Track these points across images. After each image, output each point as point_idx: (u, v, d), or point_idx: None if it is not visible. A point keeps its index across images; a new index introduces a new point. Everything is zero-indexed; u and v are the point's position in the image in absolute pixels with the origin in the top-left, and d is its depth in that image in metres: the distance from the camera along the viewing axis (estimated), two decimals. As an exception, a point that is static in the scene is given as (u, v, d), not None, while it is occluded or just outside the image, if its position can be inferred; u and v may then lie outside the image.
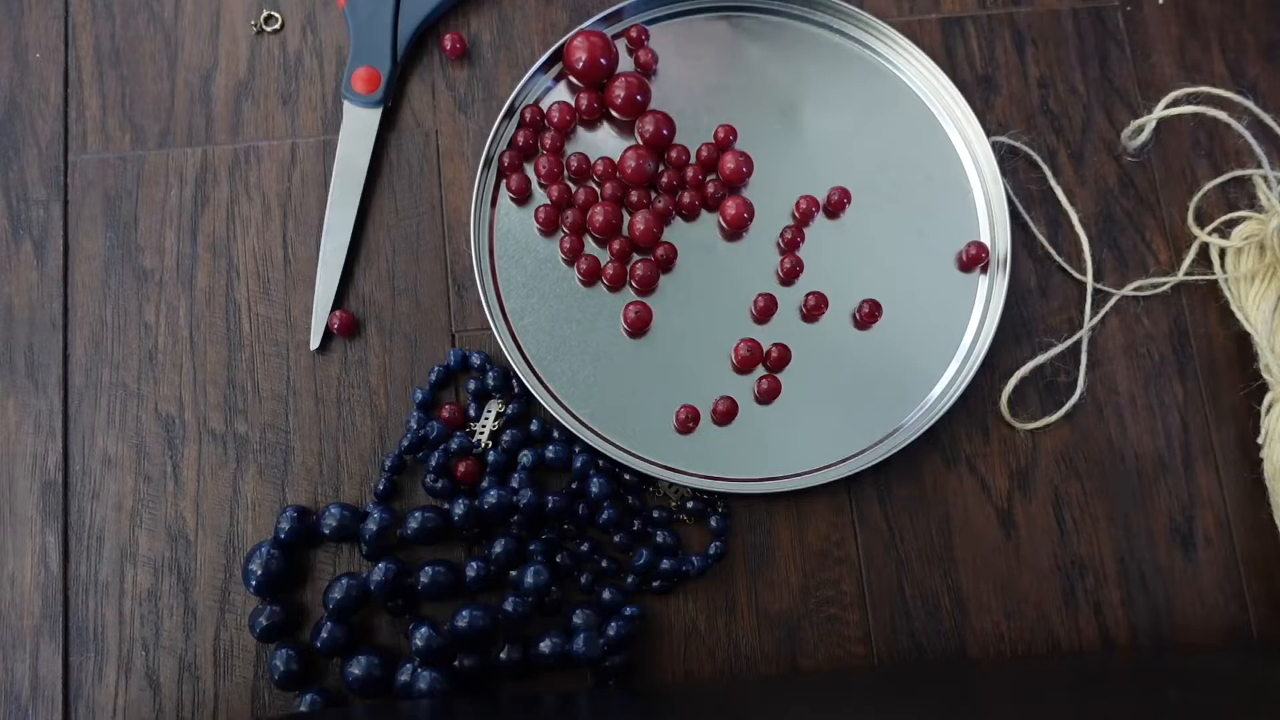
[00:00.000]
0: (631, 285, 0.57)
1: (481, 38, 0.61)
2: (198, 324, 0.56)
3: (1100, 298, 0.58)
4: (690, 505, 0.55)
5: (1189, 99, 0.60)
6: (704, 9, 0.61)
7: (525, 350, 0.56)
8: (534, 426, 0.55)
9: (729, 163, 0.57)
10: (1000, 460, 0.56)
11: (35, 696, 0.52)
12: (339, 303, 0.57)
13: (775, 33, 0.61)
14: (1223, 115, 0.58)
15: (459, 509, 0.52)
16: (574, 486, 0.54)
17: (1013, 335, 0.58)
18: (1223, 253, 0.58)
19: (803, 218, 0.58)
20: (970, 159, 0.59)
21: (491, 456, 0.54)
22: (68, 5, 0.60)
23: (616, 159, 0.57)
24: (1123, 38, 0.62)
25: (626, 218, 0.57)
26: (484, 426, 0.55)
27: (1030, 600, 0.55)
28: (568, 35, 0.58)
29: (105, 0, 0.60)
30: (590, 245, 0.57)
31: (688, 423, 0.55)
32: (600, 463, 0.54)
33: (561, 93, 0.59)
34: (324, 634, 0.51)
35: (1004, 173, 0.58)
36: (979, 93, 0.61)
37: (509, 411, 0.55)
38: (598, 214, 0.56)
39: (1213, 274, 0.58)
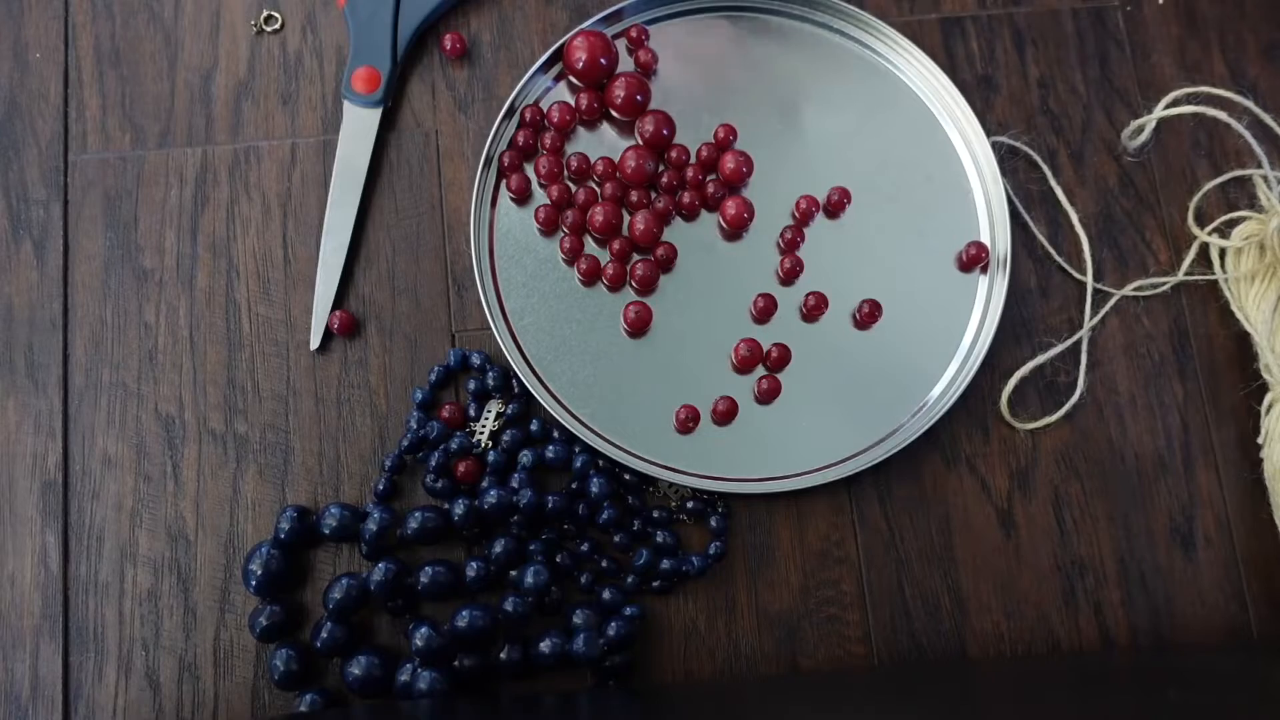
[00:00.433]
0: (631, 285, 0.57)
1: (481, 38, 0.61)
2: (198, 324, 0.56)
3: (1100, 298, 0.58)
4: (690, 505, 0.55)
5: (1189, 99, 0.60)
6: (704, 9, 0.61)
7: (525, 350, 0.56)
8: (534, 426, 0.55)
9: (729, 163, 0.57)
10: (1000, 460, 0.56)
11: (35, 696, 0.52)
12: (339, 303, 0.57)
13: (775, 33, 0.61)
14: (1223, 115, 0.58)
15: (459, 509, 0.52)
16: (574, 486, 0.54)
17: (1013, 335, 0.58)
18: (1223, 253, 0.58)
19: (803, 218, 0.58)
20: (970, 159, 0.59)
21: (491, 456, 0.54)
22: (68, 5, 0.60)
23: (616, 159, 0.57)
24: (1123, 38, 0.62)
25: (626, 218, 0.57)
26: (484, 426, 0.55)
27: (1030, 600, 0.55)
28: (568, 35, 0.58)
29: (105, 0, 0.60)
30: (590, 245, 0.57)
31: (688, 423, 0.55)
32: (600, 463, 0.54)
33: (562, 93, 0.59)
34: (324, 634, 0.51)
35: (1004, 173, 0.58)
36: (979, 93, 0.61)
37: (509, 411, 0.55)
38: (598, 214, 0.56)
39: (1213, 274, 0.58)
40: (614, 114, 0.58)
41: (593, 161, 0.58)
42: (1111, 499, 0.56)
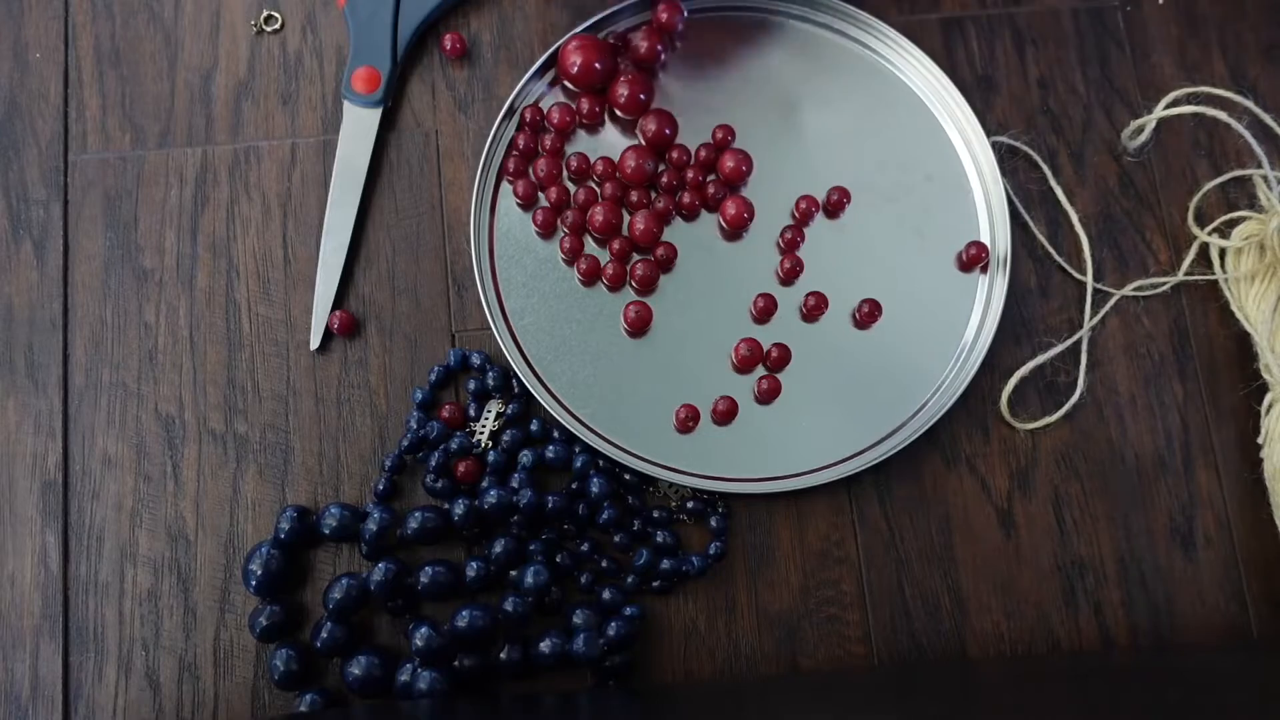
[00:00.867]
0: (631, 285, 0.57)
1: (481, 38, 0.60)
2: (198, 324, 0.56)
3: (1100, 298, 0.58)
4: (690, 505, 0.55)
5: (1189, 99, 0.60)
6: (704, 9, 0.61)
7: (525, 350, 0.56)
8: (534, 426, 0.55)
9: (729, 163, 0.57)
10: (1000, 460, 0.56)
11: (35, 696, 0.52)
12: (339, 302, 0.57)
13: (775, 33, 0.61)
14: (1223, 115, 0.58)
15: (459, 509, 0.52)
16: (574, 486, 0.54)
17: (1013, 335, 0.58)
18: (1223, 253, 0.58)
19: (802, 218, 0.58)
20: (970, 159, 0.59)
21: (491, 456, 0.54)
22: (68, 5, 0.60)
23: (616, 158, 0.57)
24: (1123, 38, 0.62)
25: (626, 218, 0.57)
26: (484, 426, 0.55)
27: (1030, 600, 0.55)
28: (562, 40, 0.58)
29: (105, 0, 0.60)
30: (590, 245, 0.57)
31: (688, 422, 0.55)
32: (600, 463, 0.54)
33: (561, 94, 0.59)
34: (324, 634, 0.51)
35: (1004, 173, 0.58)
36: (979, 93, 0.61)
37: (509, 411, 0.55)
38: (598, 214, 0.56)
39: (1213, 274, 0.58)
40: (616, 113, 0.58)
41: (592, 161, 0.58)
42: (1111, 499, 0.56)
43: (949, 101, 0.59)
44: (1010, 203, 0.58)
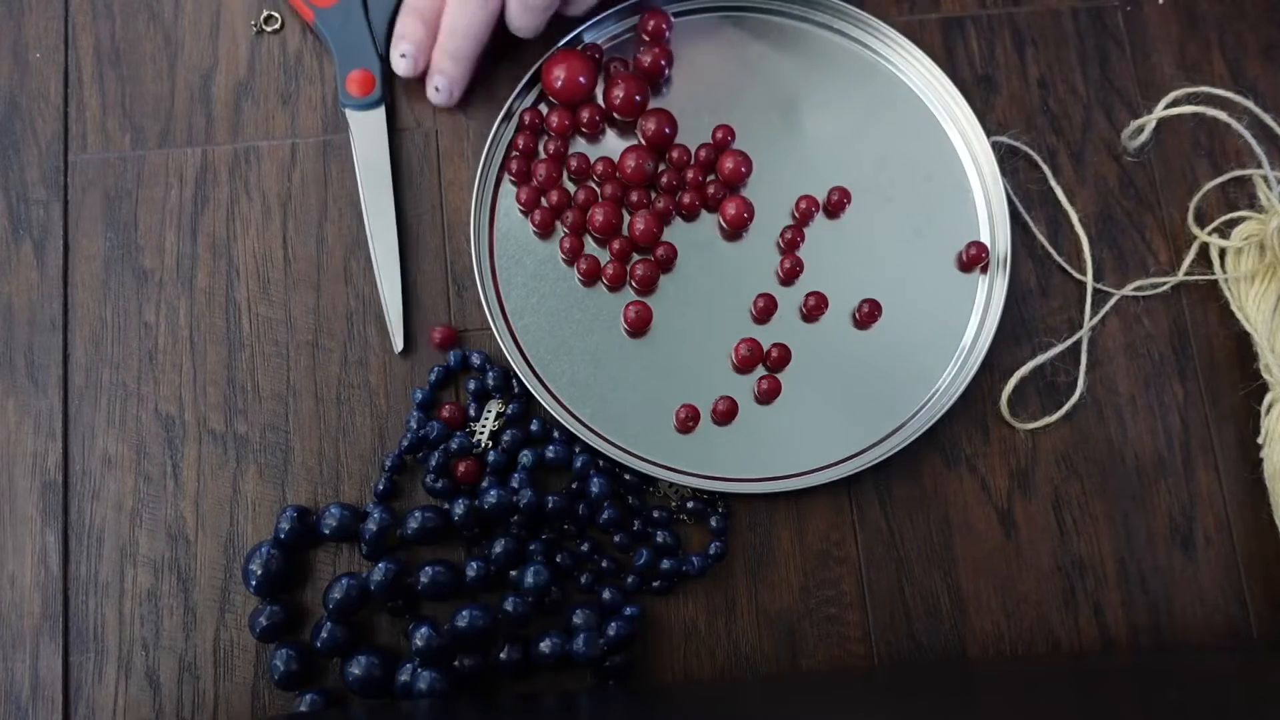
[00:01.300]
0: (631, 285, 0.57)
1: (481, 38, 0.60)
2: (198, 324, 0.56)
3: (1100, 298, 0.58)
4: (690, 505, 0.55)
5: (1189, 99, 0.60)
6: (704, 9, 0.61)
7: (525, 350, 0.56)
8: (534, 426, 0.55)
9: (728, 163, 0.57)
10: (1000, 460, 0.56)
11: (35, 696, 0.52)
12: (339, 302, 0.56)
13: (775, 33, 0.61)
14: (1223, 115, 0.58)
15: (459, 509, 0.52)
16: (574, 486, 0.54)
17: (1013, 335, 0.58)
18: (1223, 253, 0.58)
19: (802, 218, 0.58)
20: (970, 159, 0.59)
21: (491, 456, 0.54)
22: (68, 5, 0.60)
23: (616, 159, 0.57)
24: (1123, 38, 0.62)
25: (626, 218, 0.57)
26: (484, 426, 0.55)
27: (1030, 600, 0.55)
28: (545, 57, 0.58)
29: (105, 0, 0.60)
30: (590, 245, 0.57)
31: (688, 422, 0.55)
32: (600, 463, 0.54)
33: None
34: (324, 634, 0.51)
35: (1004, 173, 0.58)
36: (979, 93, 0.61)
37: (509, 411, 0.55)
38: (598, 214, 0.56)
39: (1213, 274, 0.58)
40: (614, 115, 0.58)
41: (592, 162, 0.58)
42: (1111, 499, 0.56)
43: (949, 101, 0.59)
44: (1010, 203, 0.58)
